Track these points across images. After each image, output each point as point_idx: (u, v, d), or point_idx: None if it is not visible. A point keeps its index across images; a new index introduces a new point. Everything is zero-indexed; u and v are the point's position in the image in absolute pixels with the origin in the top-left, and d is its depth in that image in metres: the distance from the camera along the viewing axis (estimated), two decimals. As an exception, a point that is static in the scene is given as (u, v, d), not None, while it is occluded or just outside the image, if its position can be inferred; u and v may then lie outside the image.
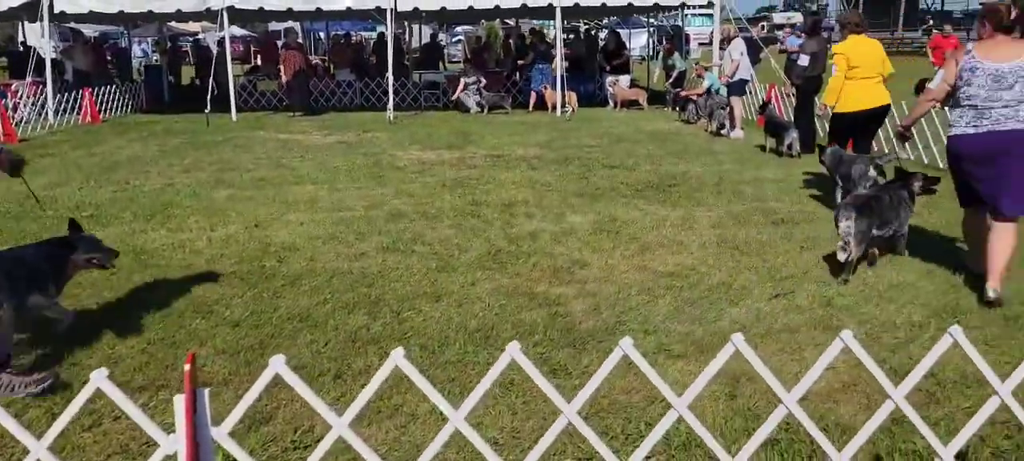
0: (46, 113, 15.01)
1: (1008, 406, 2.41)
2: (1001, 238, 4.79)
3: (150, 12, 16.80)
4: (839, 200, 6.87)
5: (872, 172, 6.94)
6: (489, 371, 2.24)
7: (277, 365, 2.15)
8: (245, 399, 2.14)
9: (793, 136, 10.44)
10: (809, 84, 11.11)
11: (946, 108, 5.51)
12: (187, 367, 1.99)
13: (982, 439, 3.09)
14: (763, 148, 11.10)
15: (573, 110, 16.59)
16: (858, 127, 7.80)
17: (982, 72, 4.81)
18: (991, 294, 4.70)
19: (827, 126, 8.32)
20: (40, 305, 3.93)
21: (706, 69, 15.15)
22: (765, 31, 29.92)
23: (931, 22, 50.08)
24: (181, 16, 20.04)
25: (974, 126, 4.86)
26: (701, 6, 18.62)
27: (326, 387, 3.72)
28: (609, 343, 4.16)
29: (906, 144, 6.51)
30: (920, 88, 10.17)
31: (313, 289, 5.20)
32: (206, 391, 2.08)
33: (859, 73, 7.56)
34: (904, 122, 5.85)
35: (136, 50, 32.71)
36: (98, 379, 2.06)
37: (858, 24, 7.96)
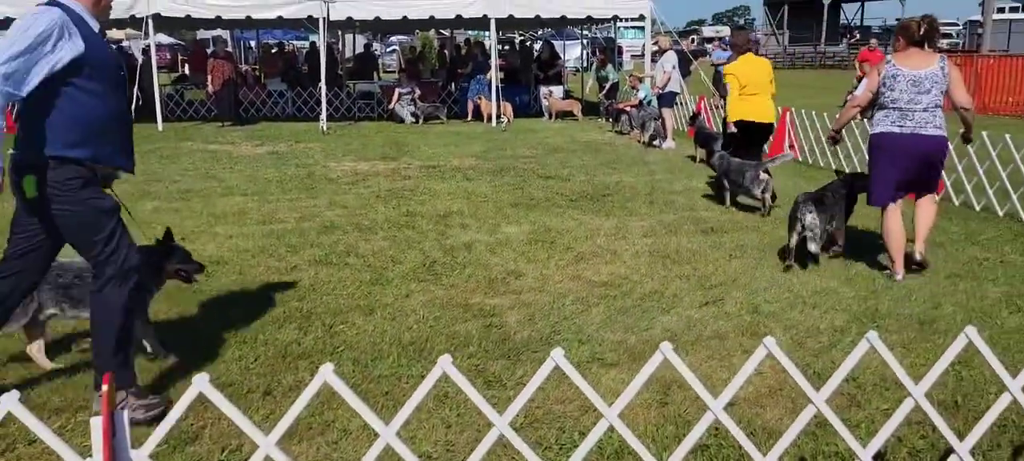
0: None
1: (922, 407, 2.51)
2: (924, 210, 5.66)
3: (71, 19, 16.21)
4: (729, 202, 8.07)
5: (764, 175, 7.57)
6: (421, 384, 2.23)
7: (201, 384, 2.09)
8: (166, 420, 2.08)
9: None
10: (737, 96, 11.38)
11: (864, 119, 6.14)
12: (105, 388, 1.92)
13: (899, 440, 3.20)
14: (693, 159, 11.33)
15: (508, 121, 16.67)
16: (749, 137, 8.41)
17: (903, 78, 5.43)
18: (918, 257, 5.56)
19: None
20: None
21: (640, 80, 15.43)
22: (695, 44, 30.65)
23: (858, 36, 52.19)
24: (104, 23, 19.43)
25: (899, 125, 5.45)
26: (633, 19, 18.95)
27: (255, 404, 3.64)
28: (544, 353, 4.18)
29: (834, 146, 7.09)
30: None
31: (242, 304, 5.08)
32: (126, 412, 2.01)
33: (748, 90, 8.23)
34: (834, 127, 6.31)
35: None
36: (8, 402, 1.97)
37: (744, 45, 8.86)
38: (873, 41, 23.35)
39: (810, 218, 5.71)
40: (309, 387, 2.17)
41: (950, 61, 5.51)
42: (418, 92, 17.82)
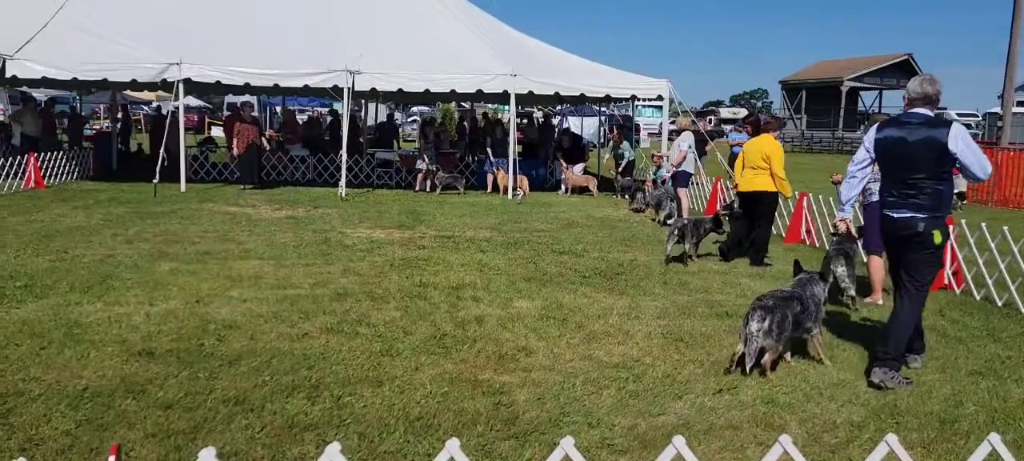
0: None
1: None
2: (876, 266, 7.68)
3: (105, 80, 16.63)
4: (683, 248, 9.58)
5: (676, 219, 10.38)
6: (426, 469, 2.19)
7: (207, 457, 2.06)
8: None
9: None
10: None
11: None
12: (111, 459, 1.90)
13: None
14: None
15: (524, 194, 16.78)
16: (744, 203, 9.90)
17: None
18: (879, 301, 7.58)
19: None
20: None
21: (663, 157, 15.54)
22: (712, 125, 30.92)
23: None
24: (136, 85, 19.90)
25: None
26: (651, 99, 19.18)
27: (259, 476, 3.59)
28: (552, 435, 4.12)
29: None
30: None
31: (252, 370, 5.06)
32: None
33: (745, 164, 9.75)
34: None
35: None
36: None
37: (766, 127, 10.18)
38: None
39: (841, 270, 7.31)
40: (313, 467, 2.13)
41: None
42: (435, 168, 17.77)
